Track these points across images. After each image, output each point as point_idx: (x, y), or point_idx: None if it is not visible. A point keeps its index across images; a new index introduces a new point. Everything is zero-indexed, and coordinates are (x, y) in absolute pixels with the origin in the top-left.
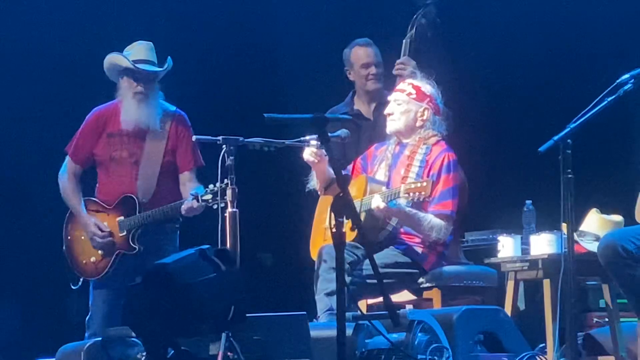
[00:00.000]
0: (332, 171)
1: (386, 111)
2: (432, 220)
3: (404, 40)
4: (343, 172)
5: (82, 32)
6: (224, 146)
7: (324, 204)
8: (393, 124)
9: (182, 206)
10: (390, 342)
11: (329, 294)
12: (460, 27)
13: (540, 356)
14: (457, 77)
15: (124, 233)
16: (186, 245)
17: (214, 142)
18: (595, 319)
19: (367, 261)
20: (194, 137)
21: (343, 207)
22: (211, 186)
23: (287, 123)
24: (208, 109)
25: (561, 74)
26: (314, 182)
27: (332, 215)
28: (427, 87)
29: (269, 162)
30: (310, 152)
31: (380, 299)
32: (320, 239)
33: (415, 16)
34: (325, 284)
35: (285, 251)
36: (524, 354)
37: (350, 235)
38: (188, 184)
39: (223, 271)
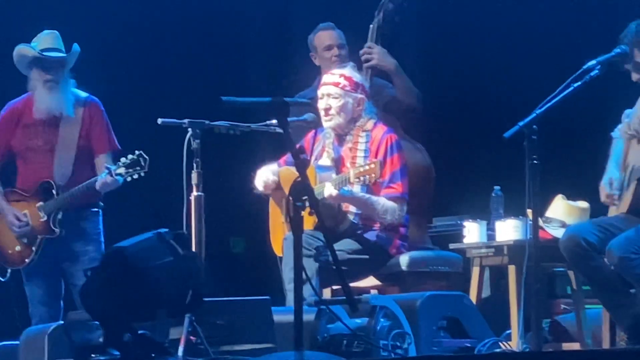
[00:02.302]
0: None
1: (322, 106)
2: (385, 203)
3: (370, 26)
4: (302, 157)
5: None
6: (189, 129)
7: (277, 197)
8: (333, 120)
9: (97, 182)
10: (349, 328)
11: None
12: (427, 12)
13: (504, 342)
14: (424, 61)
15: (44, 218)
16: (150, 229)
17: (180, 125)
18: (562, 306)
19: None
20: (159, 120)
21: (302, 191)
22: (123, 159)
23: (245, 106)
24: (174, 92)
25: (529, 60)
26: (259, 188)
27: (291, 199)
28: (357, 75)
29: (235, 145)
30: (263, 184)
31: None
32: (280, 232)
33: (382, 1)
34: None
35: (251, 236)
36: (487, 340)
37: (309, 222)
38: (103, 167)
39: (181, 255)
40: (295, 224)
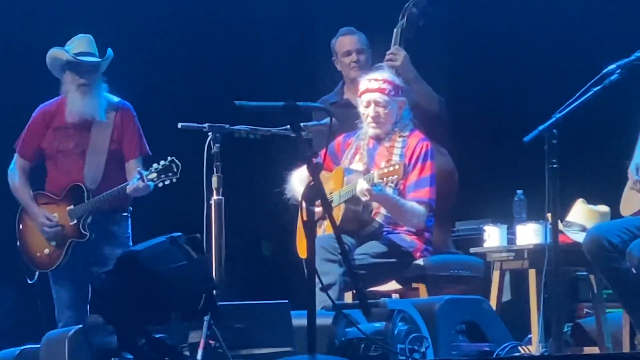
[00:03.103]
0: None
1: (370, 114)
2: (414, 206)
3: (394, 30)
4: (315, 161)
5: (27, 27)
6: (209, 134)
7: None
8: (381, 127)
9: (128, 187)
10: (363, 333)
11: (321, 289)
12: (451, 16)
13: (523, 347)
14: (448, 65)
15: (74, 222)
16: (170, 233)
17: (200, 130)
18: (585, 310)
19: (356, 250)
20: (179, 125)
21: (315, 195)
22: (155, 165)
23: (258, 111)
24: (194, 96)
25: (551, 64)
26: (292, 194)
27: (304, 205)
28: (397, 79)
29: (256, 149)
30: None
31: (370, 288)
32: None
33: (406, 5)
34: (321, 277)
35: (272, 240)
36: (506, 344)
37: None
38: (134, 172)
39: (194, 259)
40: (309, 228)
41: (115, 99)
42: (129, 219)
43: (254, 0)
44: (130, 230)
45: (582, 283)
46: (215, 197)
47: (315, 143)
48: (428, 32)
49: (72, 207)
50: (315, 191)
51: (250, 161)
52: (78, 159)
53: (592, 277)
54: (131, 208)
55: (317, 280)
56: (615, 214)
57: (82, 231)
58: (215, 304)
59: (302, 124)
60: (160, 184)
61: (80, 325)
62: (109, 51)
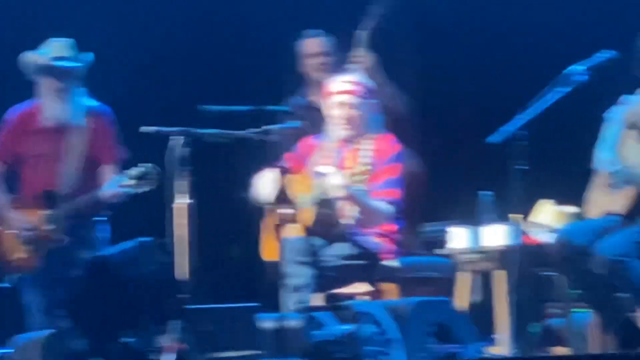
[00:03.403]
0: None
1: (343, 116)
2: (382, 206)
3: (360, 32)
4: (282, 165)
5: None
6: (178, 137)
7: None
8: (351, 129)
9: (103, 193)
10: (332, 335)
11: (296, 289)
12: (416, 18)
13: (492, 347)
14: (413, 67)
15: (49, 226)
16: (137, 237)
17: (169, 134)
18: (553, 310)
19: (325, 252)
20: (149, 129)
21: (282, 198)
22: (132, 171)
23: (224, 115)
24: (165, 101)
25: (517, 65)
26: (258, 196)
27: (272, 208)
28: (368, 81)
29: (225, 153)
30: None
31: (339, 290)
32: (272, 239)
33: (372, 7)
34: (292, 279)
35: (241, 243)
36: (474, 345)
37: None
38: (109, 178)
39: (164, 263)
40: (277, 231)
41: (94, 103)
42: (107, 223)
43: (221, 5)
44: (108, 234)
45: (548, 283)
46: (185, 200)
47: (283, 146)
48: (393, 34)
49: (47, 211)
50: (282, 194)
51: (218, 164)
52: (53, 164)
53: (560, 277)
54: (109, 212)
55: (286, 282)
56: (582, 215)
57: (58, 236)
58: (184, 307)
59: (269, 127)
60: (136, 191)
61: (54, 330)
62: (89, 56)
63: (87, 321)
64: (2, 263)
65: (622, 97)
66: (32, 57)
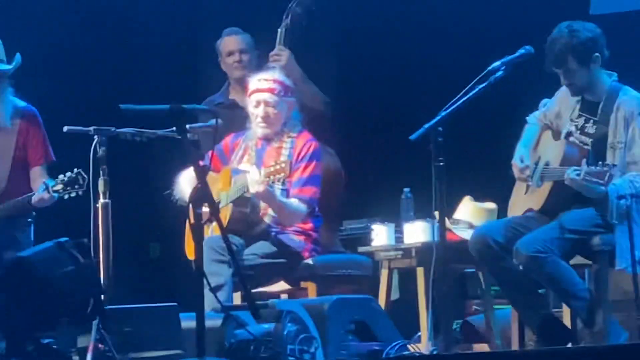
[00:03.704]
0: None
1: (258, 114)
2: (294, 204)
3: (279, 30)
4: (202, 163)
5: None
6: (95, 137)
7: None
8: (270, 127)
9: (33, 198)
10: (251, 334)
11: (213, 289)
12: (335, 16)
13: (413, 345)
14: (333, 65)
15: None
16: (56, 237)
17: (86, 133)
18: (474, 307)
19: (245, 251)
20: (65, 128)
21: (202, 197)
22: (61, 176)
23: (143, 114)
24: (80, 99)
25: (437, 62)
26: (180, 195)
27: (191, 207)
28: (286, 79)
29: (142, 152)
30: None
31: (259, 288)
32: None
33: (290, 5)
34: (208, 278)
35: (160, 242)
36: (395, 343)
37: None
38: (39, 179)
39: (82, 264)
40: (196, 230)
41: (21, 103)
42: (32, 224)
43: (142, 3)
44: (32, 236)
45: (470, 280)
46: (101, 200)
47: (203, 144)
48: (313, 32)
49: None
50: (202, 193)
51: (136, 164)
52: None
53: (480, 274)
54: (34, 213)
55: (205, 281)
56: (502, 211)
57: None
58: (103, 308)
59: (188, 126)
60: (66, 196)
61: None
62: (18, 57)
63: (4, 322)
64: None
65: (542, 102)
66: None
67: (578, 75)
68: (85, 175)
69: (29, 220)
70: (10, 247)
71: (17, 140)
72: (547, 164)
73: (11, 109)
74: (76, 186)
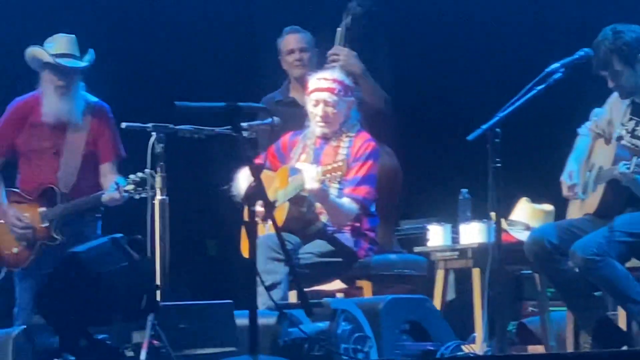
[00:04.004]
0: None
1: (318, 113)
2: (345, 204)
3: (338, 29)
4: (258, 161)
5: (1, 22)
6: (153, 133)
7: None
8: (328, 127)
9: (104, 196)
10: (304, 332)
11: (268, 288)
12: (396, 14)
13: (467, 345)
14: (393, 64)
15: (46, 224)
16: (113, 233)
17: (144, 130)
18: (530, 308)
19: (301, 250)
20: (123, 125)
21: (256, 195)
22: (132, 176)
23: (198, 111)
24: (138, 96)
25: (496, 62)
26: (238, 192)
27: (246, 205)
28: (346, 79)
29: (200, 149)
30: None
31: (314, 287)
32: None
33: (350, 4)
34: (263, 276)
35: (217, 239)
36: (449, 343)
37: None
38: (109, 176)
39: (136, 260)
40: (250, 229)
41: (93, 99)
42: (100, 219)
43: (202, 2)
44: (99, 231)
45: (526, 281)
46: (159, 196)
47: (260, 142)
48: (372, 31)
49: (44, 209)
50: (256, 191)
51: (194, 161)
52: (52, 160)
53: (536, 275)
54: (102, 208)
55: (259, 279)
56: (559, 212)
57: (53, 235)
58: (157, 304)
59: (246, 124)
60: (137, 196)
61: (24, 326)
62: (91, 53)
63: (58, 318)
64: None
65: (592, 112)
66: (37, 52)
67: (624, 76)
68: (156, 176)
69: (97, 215)
70: (77, 242)
71: (87, 136)
72: (600, 169)
73: (83, 105)
74: (147, 187)
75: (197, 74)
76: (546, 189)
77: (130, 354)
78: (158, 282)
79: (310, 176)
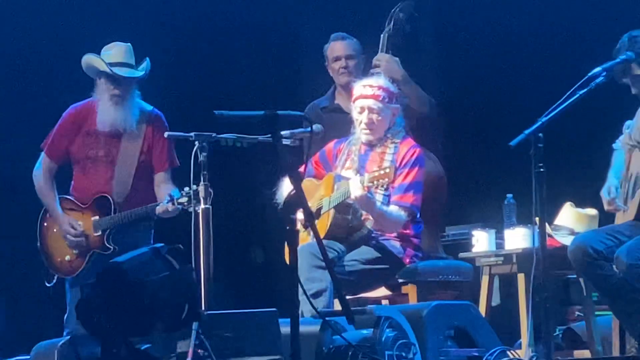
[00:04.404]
0: None
1: (363, 120)
2: (393, 211)
3: (381, 35)
4: (300, 169)
5: (59, 29)
6: (196, 142)
7: None
8: (373, 134)
9: (157, 208)
10: (346, 340)
11: (313, 295)
12: (438, 21)
13: (512, 351)
14: (436, 70)
15: (99, 233)
16: (160, 242)
17: (187, 139)
18: (577, 313)
19: (346, 257)
20: (166, 134)
21: (296, 203)
22: (186, 189)
23: (238, 120)
24: (181, 105)
25: (539, 67)
26: (281, 200)
27: (286, 213)
28: (391, 86)
29: (243, 157)
30: None
31: (360, 294)
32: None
33: (393, 10)
34: (308, 284)
35: (262, 247)
36: (494, 349)
37: (322, 231)
38: (162, 185)
39: (177, 269)
40: (290, 237)
41: (148, 107)
42: (152, 229)
43: (246, 8)
44: (152, 241)
45: (573, 286)
46: (202, 205)
47: (300, 150)
48: (417, 37)
49: (97, 217)
50: (295, 199)
51: (237, 169)
52: (107, 168)
53: (582, 280)
54: (155, 217)
55: (301, 288)
56: (603, 216)
57: (106, 244)
58: (199, 314)
59: (288, 132)
60: (190, 209)
61: (69, 337)
62: (147, 62)
63: (100, 328)
64: (47, 262)
65: (625, 124)
66: (93, 60)
67: None
68: (211, 190)
69: (150, 224)
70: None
71: (142, 145)
72: (637, 176)
73: (138, 113)
74: (198, 199)
75: (239, 80)
76: (590, 193)
77: None
78: (202, 291)
79: (355, 184)
